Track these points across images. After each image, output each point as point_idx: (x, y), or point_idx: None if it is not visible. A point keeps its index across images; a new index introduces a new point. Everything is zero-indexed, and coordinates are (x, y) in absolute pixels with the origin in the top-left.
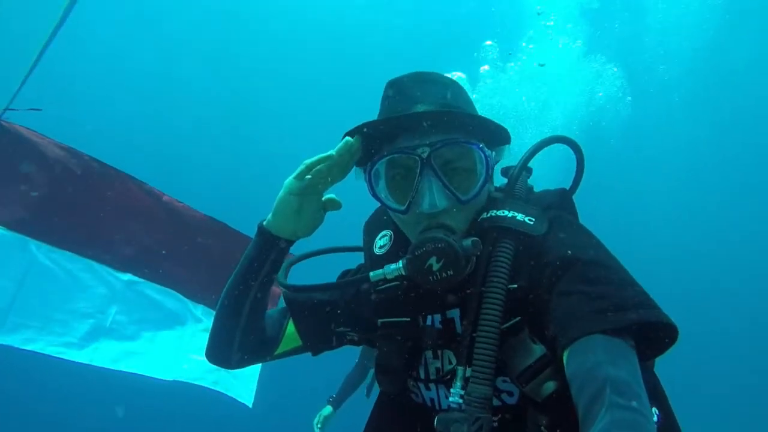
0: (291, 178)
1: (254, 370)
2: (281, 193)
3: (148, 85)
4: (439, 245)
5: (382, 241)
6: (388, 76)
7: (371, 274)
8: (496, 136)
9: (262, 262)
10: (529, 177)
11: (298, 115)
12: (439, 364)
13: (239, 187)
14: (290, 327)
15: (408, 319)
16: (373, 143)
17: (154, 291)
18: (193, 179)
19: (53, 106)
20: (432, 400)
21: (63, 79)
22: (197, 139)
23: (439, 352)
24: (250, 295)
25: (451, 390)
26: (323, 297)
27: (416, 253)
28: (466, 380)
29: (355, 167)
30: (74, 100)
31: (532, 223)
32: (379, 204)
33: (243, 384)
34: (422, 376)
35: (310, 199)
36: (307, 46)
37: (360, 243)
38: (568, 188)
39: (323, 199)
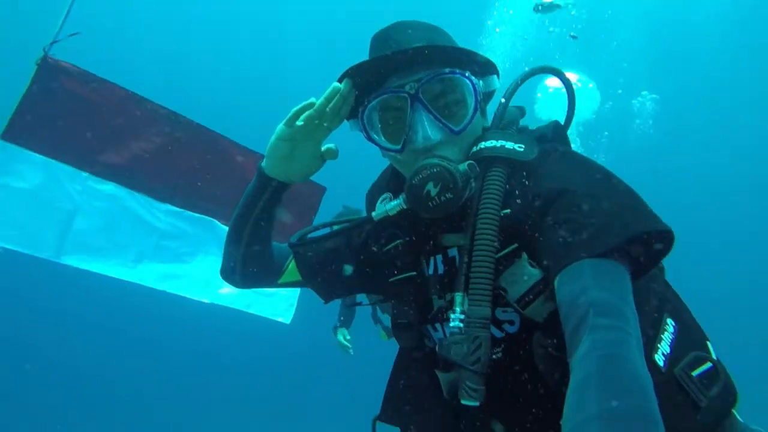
0: (281, 124)
1: (294, 289)
2: (272, 137)
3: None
4: (435, 170)
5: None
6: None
7: (374, 213)
8: (482, 67)
9: (257, 198)
10: (522, 117)
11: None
12: (443, 303)
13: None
14: (293, 263)
15: (414, 272)
16: (363, 92)
17: (192, 219)
18: (233, 109)
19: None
20: (441, 341)
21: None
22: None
23: (445, 295)
24: (247, 226)
25: (451, 316)
26: (329, 246)
27: (413, 181)
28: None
29: (349, 120)
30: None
31: (521, 150)
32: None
33: (279, 302)
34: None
35: (305, 146)
36: None
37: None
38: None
39: (323, 149)
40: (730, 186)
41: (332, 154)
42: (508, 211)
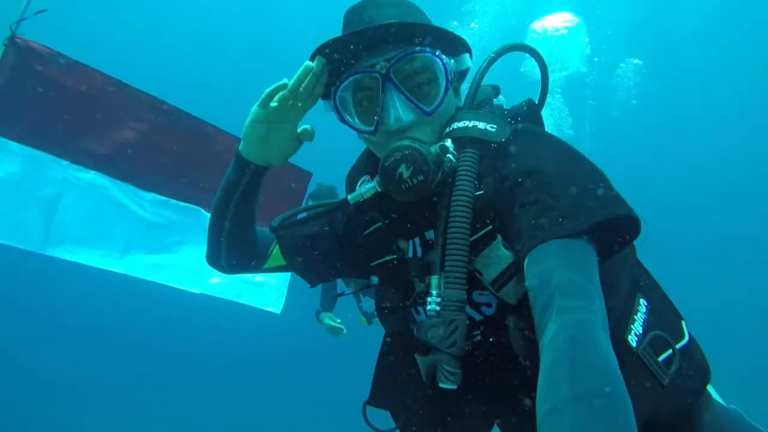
0: (255, 105)
1: (283, 278)
2: (247, 119)
3: None
4: (406, 152)
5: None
6: None
7: (349, 196)
8: (454, 45)
9: (236, 184)
10: (496, 96)
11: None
12: (423, 287)
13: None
14: (277, 247)
15: (395, 256)
16: (336, 71)
17: (177, 208)
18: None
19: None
20: (420, 324)
21: None
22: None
23: (424, 278)
24: (228, 211)
25: (428, 299)
26: (311, 230)
27: (386, 164)
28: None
29: (323, 101)
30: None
31: (493, 130)
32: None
33: (269, 292)
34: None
35: (281, 127)
36: None
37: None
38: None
39: (299, 130)
40: (713, 162)
41: (308, 135)
42: (481, 192)
